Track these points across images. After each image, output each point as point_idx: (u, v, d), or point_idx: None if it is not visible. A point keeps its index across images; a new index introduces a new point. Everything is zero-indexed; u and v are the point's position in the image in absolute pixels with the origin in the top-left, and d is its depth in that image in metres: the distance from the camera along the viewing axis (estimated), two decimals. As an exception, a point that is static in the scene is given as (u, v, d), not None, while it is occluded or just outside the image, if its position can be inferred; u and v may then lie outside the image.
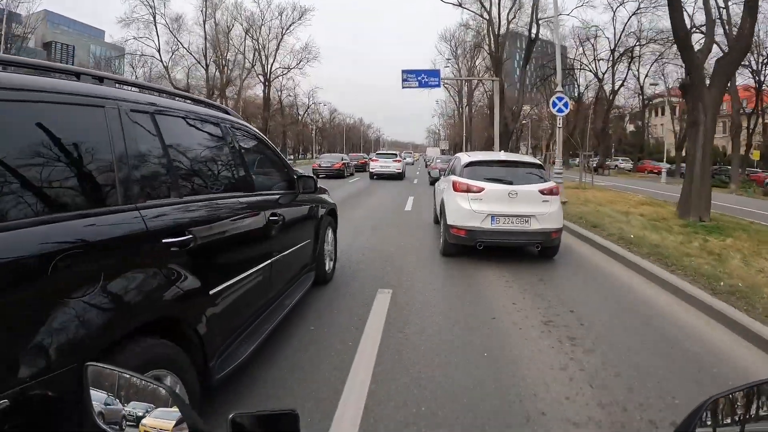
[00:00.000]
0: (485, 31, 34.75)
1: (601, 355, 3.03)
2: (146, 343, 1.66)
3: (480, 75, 42.01)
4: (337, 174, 22.38)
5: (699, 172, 8.49)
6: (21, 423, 1.20)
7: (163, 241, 1.82)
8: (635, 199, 12.86)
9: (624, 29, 34.92)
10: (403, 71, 20.96)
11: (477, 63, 46.38)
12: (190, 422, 0.67)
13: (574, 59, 39.96)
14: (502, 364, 2.85)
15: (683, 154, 27.22)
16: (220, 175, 2.55)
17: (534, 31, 29.49)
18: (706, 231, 7.44)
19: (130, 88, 2.14)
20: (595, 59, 38.50)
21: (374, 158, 24.50)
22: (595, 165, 31.79)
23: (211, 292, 2.08)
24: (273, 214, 2.89)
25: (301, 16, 44.81)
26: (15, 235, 1.27)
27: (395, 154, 24.96)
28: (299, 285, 3.46)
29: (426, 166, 35.70)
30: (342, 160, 24.09)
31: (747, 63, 27.95)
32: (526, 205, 5.45)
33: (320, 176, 19.43)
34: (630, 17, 33.54)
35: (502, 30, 33.03)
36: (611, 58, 36.74)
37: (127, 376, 0.72)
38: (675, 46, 32.08)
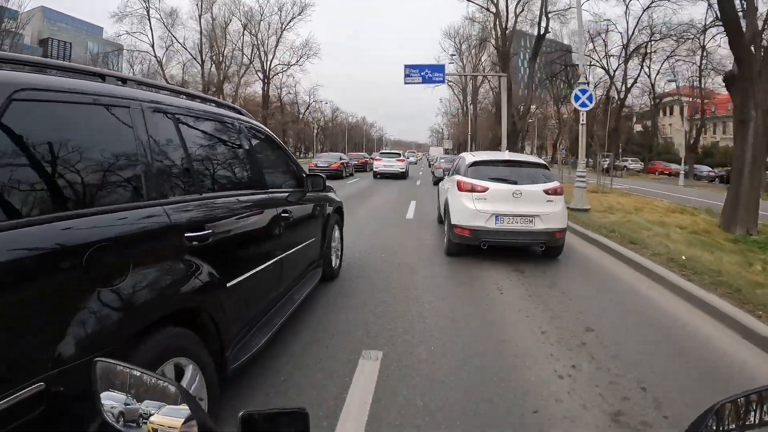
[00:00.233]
0: (492, 25, 34.28)
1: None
2: (170, 331, 1.80)
3: (486, 71, 41.95)
4: (335, 174, 22.05)
5: (748, 177, 7.71)
6: (58, 404, 1.31)
7: (186, 235, 1.98)
8: (663, 206, 12.00)
9: (637, 23, 34.44)
10: (406, 66, 20.68)
11: (482, 59, 46.36)
12: (199, 420, 0.67)
13: (584, 55, 39.63)
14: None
15: (689, 154, 27.12)
16: (235, 173, 2.72)
17: (543, 24, 28.90)
18: (760, 247, 6.65)
19: (148, 89, 2.28)
20: (606, 55, 37.80)
21: (378, 157, 24.80)
22: (606, 166, 31.58)
23: (228, 285, 2.23)
24: (284, 212, 3.06)
25: (301, 12, 44.86)
26: (52, 228, 1.39)
27: (398, 154, 25.28)
28: (308, 280, 3.65)
29: (429, 165, 35.88)
30: (340, 159, 23.69)
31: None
32: (530, 204, 5.59)
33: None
34: (645, 9, 33.01)
35: (510, 24, 32.46)
36: (623, 54, 36.11)
37: (137, 372, 0.73)
38: (689, 42, 32.01)
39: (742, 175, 7.83)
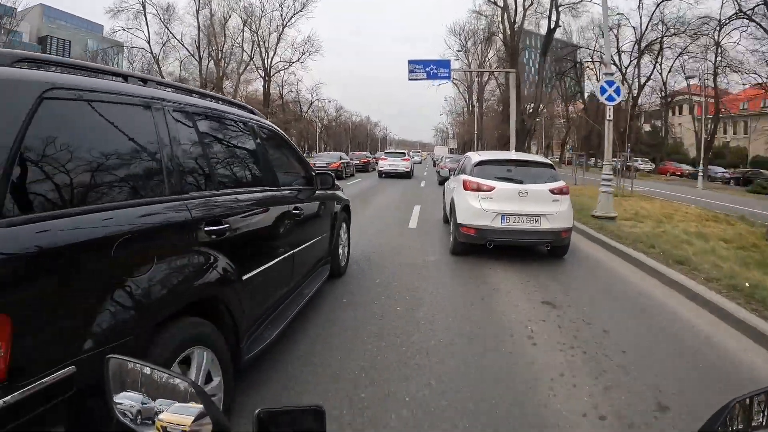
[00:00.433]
0: (500, 19, 33.73)
1: None
2: (190, 321, 1.93)
3: (492, 68, 41.71)
4: (335, 175, 21.90)
5: None
6: (87, 388, 1.38)
7: (205, 229, 2.12)
8: (693, 212, 10.95)
9: (651, 17, 34.05)
10: (410, 61, 20.38)
11: (489, 56, 46.24)
12: (213, 417, 0.68)
13: (594, 50, 38.82)
14: None
15: (705, 154, 26.74)
16: (249, 170, 2.88)
17: (554, 18, 28.82)
18: None
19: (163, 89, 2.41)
20: (618, 51, 37.24)
21: (383, 157, 25.06)
22: (619, 167, 30.86)
23: (243, 278, 2.37)
24: (295, 209, 3.23)
25: (303, 8, 44.65)
26: (79, 221, 1.50)
27: (403, 153, 25.70)
28: (316, 276, 3.81)
29: (434, 165, 35.97)
30: (340, 159, 23.24)
31: None
32: (536, 204, 5.72)
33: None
34: (658, 4, 32.59)
35: (518, 18, 31.93)
36: (636, 49, 35.71)
37: (149, 369, 0.74)
38: (703, 39, 31.50)
39: None
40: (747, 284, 4.57)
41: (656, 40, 34.59)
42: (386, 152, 27.87)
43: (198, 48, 42.75)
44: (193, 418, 0.68)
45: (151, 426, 0.71)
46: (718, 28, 30.90)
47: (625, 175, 17.23)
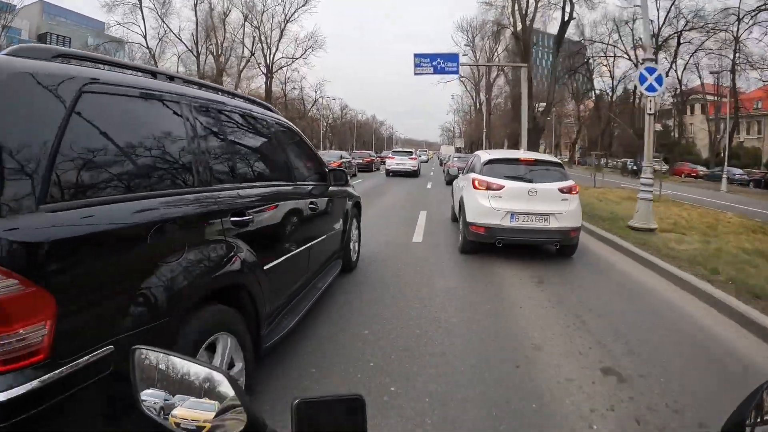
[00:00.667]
0: (510, 11, 32.69)
1: None
2: (216, 308, 2.08)
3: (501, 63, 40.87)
4: None
5: None
6: (124, 368, 1.57)
7: (231, 219, 2.28)
8: (735, 222, 10.00)
9: (669, 10, 33.62)
10: (416, 55, 19.80)
11: (498, 52, 45.86)
12: (248, 409, 0.67)
13: (609, 45, 38.41)
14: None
15: (720, 156, 26.28)
16: (268, 165, 3.07)
17: (568, 10, 27.79)
18: None
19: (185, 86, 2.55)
20: (633, 47, 36.79)
21: (390, 156, 25.47)
22: (634, 168, 30.28)
23: (264, 268, 2.54)
24: (311, 203, 3.43)
25: (306, 2, 44.22)
26: (125, 207, 1.66)
27: (411, 152, 26.06)
28: (330, 270, 4.02)
29: (441, 164, 36.10)
30: (340, 158, 22.48)
31: None
32: (545, 203, 5.87)
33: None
34: None
35: (530, 10, 30.96)
36: (653, 43, 35.79)
37: (177, 359, 0.73)
38: (721, 34, 30.79)
39: None
40: None
41: (673, 34, 34.34)
42: (393, 151, 28.32)
43: (196, 43, 42.22)
44: (226, 407, 0.68)
45: (191, 423, 0.69)
46: (737, 22, 30.68)
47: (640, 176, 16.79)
